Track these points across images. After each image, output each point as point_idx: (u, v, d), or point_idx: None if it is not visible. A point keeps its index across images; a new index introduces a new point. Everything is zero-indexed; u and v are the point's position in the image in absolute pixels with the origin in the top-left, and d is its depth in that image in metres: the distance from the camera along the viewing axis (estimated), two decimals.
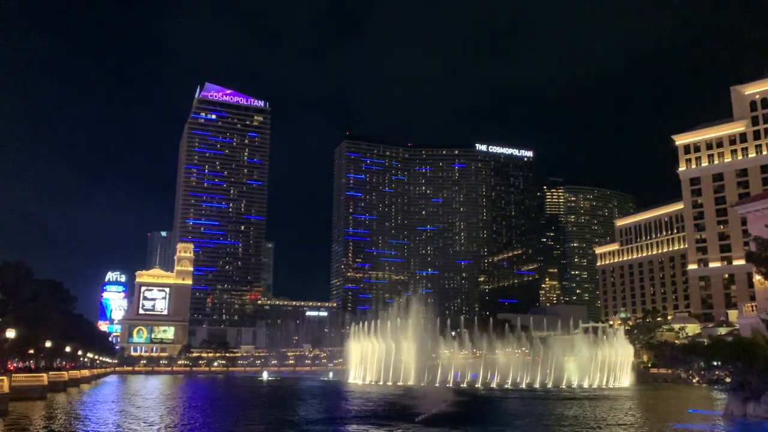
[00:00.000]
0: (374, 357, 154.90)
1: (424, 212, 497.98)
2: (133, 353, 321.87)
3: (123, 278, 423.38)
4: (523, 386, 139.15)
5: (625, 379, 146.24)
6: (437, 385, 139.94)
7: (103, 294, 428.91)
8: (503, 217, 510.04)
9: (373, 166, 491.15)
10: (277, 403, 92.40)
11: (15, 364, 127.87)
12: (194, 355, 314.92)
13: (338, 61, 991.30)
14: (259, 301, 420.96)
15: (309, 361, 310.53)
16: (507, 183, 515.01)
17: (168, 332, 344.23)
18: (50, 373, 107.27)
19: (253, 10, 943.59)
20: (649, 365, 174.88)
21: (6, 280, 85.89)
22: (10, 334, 78.08)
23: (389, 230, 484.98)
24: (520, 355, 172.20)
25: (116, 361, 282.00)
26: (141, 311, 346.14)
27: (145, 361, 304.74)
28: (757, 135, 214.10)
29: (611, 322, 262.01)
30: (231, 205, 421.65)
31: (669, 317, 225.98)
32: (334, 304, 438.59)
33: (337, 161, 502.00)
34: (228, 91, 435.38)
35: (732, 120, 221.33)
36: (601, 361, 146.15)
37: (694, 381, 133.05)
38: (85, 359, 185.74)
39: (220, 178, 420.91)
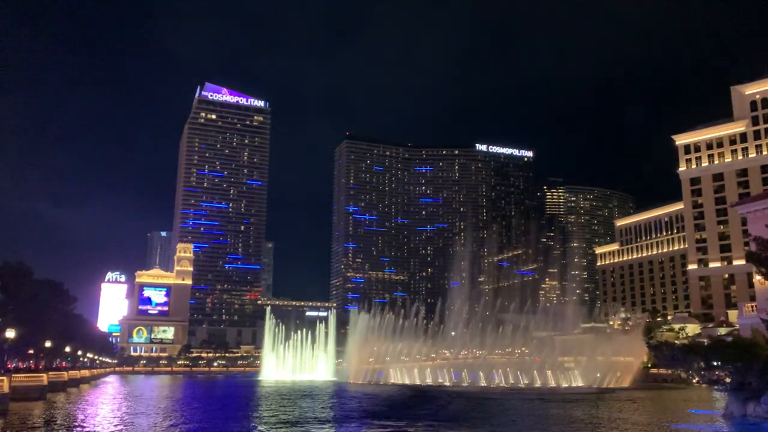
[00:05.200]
0: None
1: (424, 212, 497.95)
2: (132, 353, 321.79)
3: (123, 278, 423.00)
4: (521, 386, 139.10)
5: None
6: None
7: (102, 294, 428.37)
8: (503, 217, 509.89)
9: (373, 166, 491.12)
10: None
11: (15, 364, 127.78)
12: (194, 355, 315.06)
13: (338, 61, 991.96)
14: (259, 301, 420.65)
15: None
16: (507, 183, 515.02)
17: (168, 332, 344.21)
18: (50, 373, 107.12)
19: (253, 10, 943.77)
20: (649, 365, 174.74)
21: (6, 280, 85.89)
22: (10, 334, 78.08)
23: (389, 230, 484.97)
24: (519, 356, 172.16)
25: (116, 362, 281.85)
26: (141, 311, 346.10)
27: (144, 362, 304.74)
28: (757, 135, 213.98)
29: (611, 322, 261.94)
30: (231, 205, 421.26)
31: (669, 317, 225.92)
32: (334, 304, 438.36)
33: (337, 161, 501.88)
34: (228, 91, 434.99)
35: (732, 120, 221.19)
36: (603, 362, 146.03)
37: (694, 381, 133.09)
38: (85, 359, 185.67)
39: (220, 178, 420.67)
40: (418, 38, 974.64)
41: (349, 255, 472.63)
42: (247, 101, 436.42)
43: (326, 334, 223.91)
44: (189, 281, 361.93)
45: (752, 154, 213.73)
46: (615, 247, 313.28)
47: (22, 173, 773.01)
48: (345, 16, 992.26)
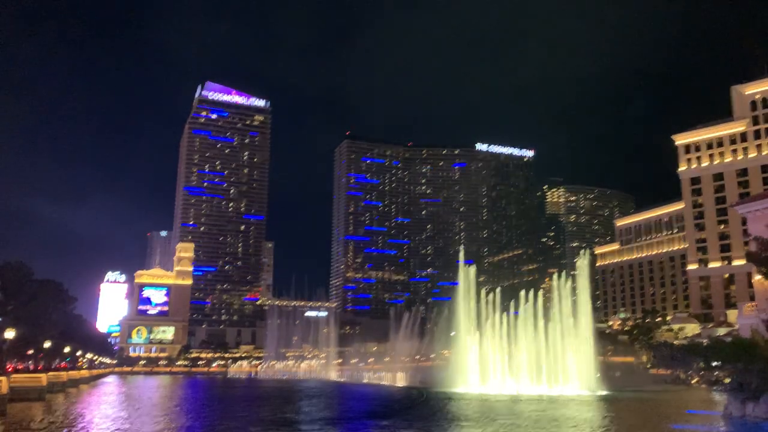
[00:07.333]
0: None
1: (424, 212, 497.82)
2: (132, 354, 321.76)
3: (123, 278, 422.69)
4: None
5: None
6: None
7: (102, 294, 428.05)
8: (503, 217, 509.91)
9: (373, 166, 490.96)
10: None
11: (14, 365, 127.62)
12: (193, 355, 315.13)
13: (338, 61, 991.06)
14: (259, 301, 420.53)
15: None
16: (507, 183, 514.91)
17: (167, 332, 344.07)
18: (49, 373, 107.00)
19: (253, 10, 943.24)
20: (648, 366, 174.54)
21: (6, 280, 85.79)
22: (10, 334, 77.87)
23: (389, 230, 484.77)
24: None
25: (115, 362, 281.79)
26: (140, 311, 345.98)
27: (144, 362, 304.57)
28: (757, 135, 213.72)
29: (611, 323, 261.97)
30: (231, 205, 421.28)
31: (668, 317, 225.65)
32: (334, 304, 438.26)
33: (337, 161, 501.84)
34: (228, 90, 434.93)
35: (732, 120, 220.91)
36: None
37: (693, 382, 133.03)
38: (84, 360, 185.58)
39: (220, 177, 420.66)
40: (418, 38, 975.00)
41: (349, 255, 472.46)
42: (247, 101, 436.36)
43: (327, 334, 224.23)
44: (189, 281, 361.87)
45: (752, 154, 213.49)
46: (615, 247, 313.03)
47: (22, 173, 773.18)
48: (345, 16, 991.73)
